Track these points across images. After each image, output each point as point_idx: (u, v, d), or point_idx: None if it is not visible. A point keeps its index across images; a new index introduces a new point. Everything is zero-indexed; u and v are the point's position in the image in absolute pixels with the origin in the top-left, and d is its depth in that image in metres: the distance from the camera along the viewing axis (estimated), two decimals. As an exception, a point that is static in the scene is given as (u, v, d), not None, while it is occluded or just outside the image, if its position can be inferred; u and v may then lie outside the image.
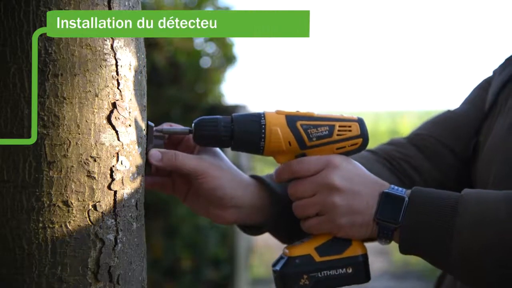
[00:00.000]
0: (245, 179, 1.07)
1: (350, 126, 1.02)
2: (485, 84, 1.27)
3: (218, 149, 1.06)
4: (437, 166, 1.22)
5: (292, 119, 1.01)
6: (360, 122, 1.03)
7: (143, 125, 0.95)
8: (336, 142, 1.02)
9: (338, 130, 1.02)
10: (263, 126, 1.00)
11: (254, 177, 1.09)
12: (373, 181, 1.02)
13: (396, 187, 1.01)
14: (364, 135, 1.03)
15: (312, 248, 1.02)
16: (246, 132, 1.00)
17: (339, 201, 0.99)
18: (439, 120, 1.28)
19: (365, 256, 1.03)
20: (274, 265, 1.05)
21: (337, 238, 1.02)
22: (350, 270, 1.02)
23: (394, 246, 1.02)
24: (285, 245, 1.08)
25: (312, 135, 1.01)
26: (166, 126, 1.03)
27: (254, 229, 1.11)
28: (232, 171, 1.05)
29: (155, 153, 0.99)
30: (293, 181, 1.03)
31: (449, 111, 1.28)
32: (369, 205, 1.00)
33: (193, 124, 1.01)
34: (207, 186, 1.02)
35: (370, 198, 1.00)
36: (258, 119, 1.00)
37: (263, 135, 1.00)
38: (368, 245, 1.07)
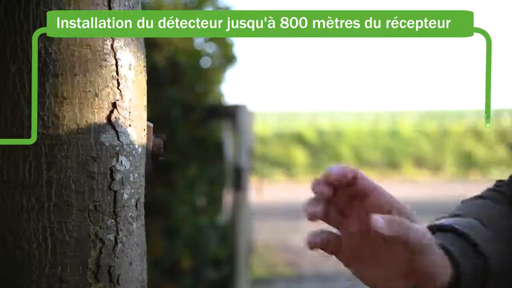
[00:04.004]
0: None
1: None
2: None
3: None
4: None
5: None
6: None
7: (143, 125, 0.95)
8: None
9: None
10: None
11: (443, 247, 0.86)
12: None
13: None
14: None
15: None
16: None
17: None
18: None
19: None
20: None
21: None
22: None
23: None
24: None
25: None
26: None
27: None
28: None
29: (379, 219, 0.75)
30: None
31: None
32: None
33: None
34: (420, 264, 0.80)
35: None
36: None
37: None
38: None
